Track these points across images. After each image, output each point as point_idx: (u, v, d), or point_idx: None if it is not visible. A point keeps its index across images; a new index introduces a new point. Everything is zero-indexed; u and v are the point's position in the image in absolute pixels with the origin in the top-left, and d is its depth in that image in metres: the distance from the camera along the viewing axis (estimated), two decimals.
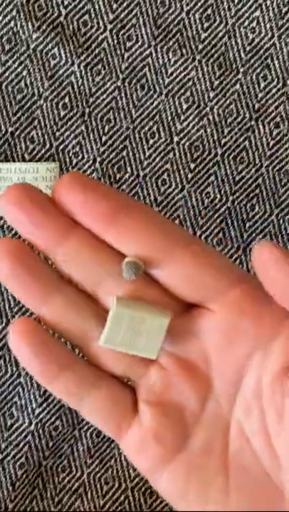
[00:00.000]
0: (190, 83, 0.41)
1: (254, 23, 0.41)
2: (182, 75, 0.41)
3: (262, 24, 0.41)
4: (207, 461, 0.30)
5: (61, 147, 0.41)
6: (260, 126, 0.40)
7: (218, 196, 0.41)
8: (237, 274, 0.30)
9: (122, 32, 0.41)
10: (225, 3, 0.41)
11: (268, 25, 0.41)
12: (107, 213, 0.28)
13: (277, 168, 0.41)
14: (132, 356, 0.30)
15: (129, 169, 0.41)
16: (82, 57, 0.40)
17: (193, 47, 0.41)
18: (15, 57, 0.40)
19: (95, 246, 0.29)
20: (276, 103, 0.40)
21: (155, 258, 0.29)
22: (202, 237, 0.41)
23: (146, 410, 0.30)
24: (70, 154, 0.41)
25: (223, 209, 0.41)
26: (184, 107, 0.41)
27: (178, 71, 0.41)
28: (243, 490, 0.30)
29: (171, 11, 0.41)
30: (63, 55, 0.40)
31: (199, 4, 0.41)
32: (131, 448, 0.31)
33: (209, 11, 0.41)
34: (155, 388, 0.30)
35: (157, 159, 0.41)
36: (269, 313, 0.30)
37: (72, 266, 0.29)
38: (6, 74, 0.41)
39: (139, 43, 0.41)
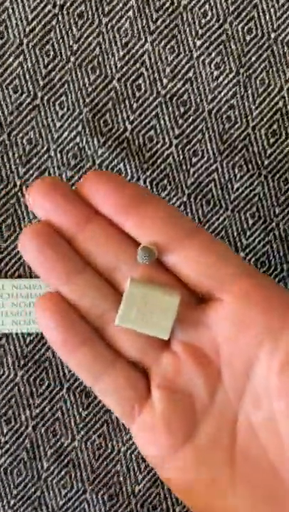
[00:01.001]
0: (256, 199, 0.41)
1: None
2: (248, 190, 0.41)
3: None
4: (215, 452, 0.31)
5: None
6: None
7: None
8: (245, 266, 0.31)
9: (187, 147, 0.40)
10: None
11: None
12: (127, 202, 0.31)
13: None
14: (146, 340, 0.31)
15: None
16: (147, 173, 0.40)
17: (259, 162, 0.41)
18: (80, 172, 0.40)
19: (114, 233, 0.31)
20: None
21: (168, 245, 0.31)
22: None
23: (158, 395, 0.31)
24: None
25: None
26: (250, 222, 0.41)
27: (244, 186, 0.41)
28: (249, 483, 0.31)
29: (236, 126, 0.41)
30: (129, 171, 0.40)
31: (265, 120, 0.41)
32: (142, 433, 0.31)
33: (275, 127, 0.41)
34: (167, 374, 0.31)
35: None
36: (278, 304, 0.31)
37: (92, 250, 0.31)
38: None
39: (205, 159, 0.40)
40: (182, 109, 0.40)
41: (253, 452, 0.31)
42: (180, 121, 0.40)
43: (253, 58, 0.40)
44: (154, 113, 0.40)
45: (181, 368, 0.31)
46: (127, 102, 0.40)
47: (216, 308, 0.31)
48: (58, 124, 0.40)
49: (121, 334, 0.31)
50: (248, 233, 0.41)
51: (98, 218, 0.31)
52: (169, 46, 0.40)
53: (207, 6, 0.40)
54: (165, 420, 0.31)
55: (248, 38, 0.40)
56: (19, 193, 0.40)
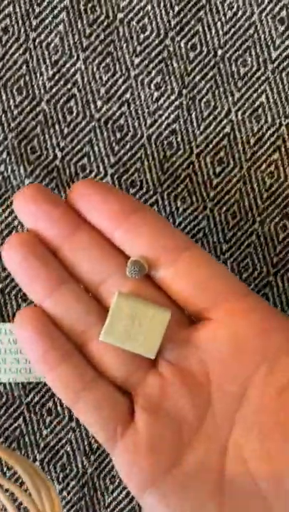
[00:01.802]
0: (200, 234, 0.36)
1: (272, 167, 0.36)
2: (192, 225, 0.36)
3: (281, 168, 0.36)
4: (202, 479, 0.29)
5: None
6: (279, 283, 0.36)
7: None
8: (239, 285, 0.30)
9: (124, 177, 0.36)
10: (239, 145, 0.36)
11: (287, 170, 0.36)
12: (117, 212, 0.30)
13: None
14: (132, 358, 0.30)
15: None
16: None
17: (204, 194, 0.37)
18: (5, 205, 0.36)
19: (102, 244, 0.30)
20: None
21: (158, 260, 0.30)
22: None
23: (142, 418, 0.29)
24: None
25: None
26: None
27: (187, 220, 0.36)
28: None
29: (179, 153, 0.36)
30: None
31: (211, 146, 0.36)
32: (124, 457, 0.29)
33: (222, 154, 0.36)
34: (153, 396, 0.30)
35: None
36: (274, 326, 0.29)
37: (79, 259, 0.30)
38: None
39: (144, 190, 0.36)
40: (118, 135, 0.36)
41: (242, 482, 0.29)
42: (116, 148, 0.36)
43: (198, 78, 0.36)
44: (87, 139, 0.36)
45: (168, 389, 0.30)
46: (57, 126, 0.36)
47: (208, 328, 0.30)
48: None
49: (105, 351, 0.30)
50: None
51: (87, 227, 0.30)
52: (103, 64, 0.36)
53: (146, 20, 0.36)
54: (150, 444, 0.29)
55: (191, 55, 0.36)
56: None
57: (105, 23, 0.36)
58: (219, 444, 0.29)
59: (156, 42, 0.36)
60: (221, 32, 0.36)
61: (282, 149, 0.36)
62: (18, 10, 0.36)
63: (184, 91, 0.36)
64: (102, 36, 0.36)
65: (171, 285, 0.30)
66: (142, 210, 0.30)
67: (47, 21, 0.36)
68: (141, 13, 0.36)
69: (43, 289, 0.30)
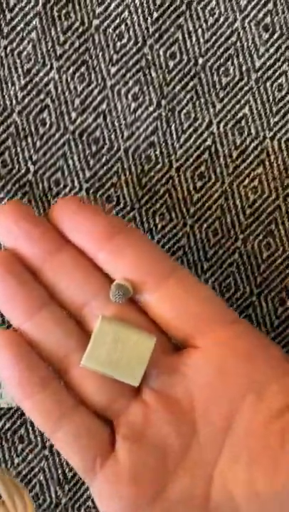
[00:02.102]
0: (180, 252, 0.35)
1: (256, 182, 0.35)
2: (171, 242, 0.35)
3: (264, 183, 0.35)
4: (187, 508, 0.28)
5: None
6: (263, 303, 0.35)
7: None
8: (225, 310, 0.30)
9: (100, 192, 0.35)
10: (221, 159, 0.35)
11: (271, 184, 0.35)
12: (102, 232, 0.29)
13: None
14: (114, 385, 0.29)
15: None
16: None
17: (184, 210, 0.35)
18: None
19: (85, 266, 0.29)
20: (281, 275, 0.35)
21: (144, 283, 0.29)
22: None
23: (124, 446, 0.29)
24: None
25: None
26: None
27: (166, 238, 0.35)
28: None
29: (158, 167, 0.35)
30: None
31: (191, 160, 0.35)
32: (104, 488, 0.28)
33: (203, 168, 0.35)
34: (135, 424, 0.29)
35: None
36: (262, 354, 0.29)
37: (61, 281, 0.29)
38: None
39: (121, 206, 0.35)
40: (94, 148, 0.35)
41: (227, 508, 0.28)
42: (91, 162, 0.35)
43: (177, 88, 0.35)
44: (61, 152, 0.35)
45: (151, 417, 0.29)
46: (29, 138, 0.35)
47: (194, 356, 0.29)
48: None
49: (86, 378, 0.29)
50: None
51: (69, 247, 0.29)
52: (78, 74, 0.35)
53: (123, 27, 0.34)
54: (132, 473, 0.28)
55: (171, 64, 0.35)
56: None
57: (80, 30, 0.34)
58: (205, 470, 0.29)
59: (134, 50, 0.35)
60: (201, 40, 0.35)
61: (267, 163, 0.35)
62: None
63: (163, 102, 0.35)
64: (76, 44, 0.35)
65: (155, 310, 0.29)
66: (126, 231, 0.30)
67: (19, 28, 0.34)
68: (118, 20, 0.34)
69: (23, 311, 0.29)
